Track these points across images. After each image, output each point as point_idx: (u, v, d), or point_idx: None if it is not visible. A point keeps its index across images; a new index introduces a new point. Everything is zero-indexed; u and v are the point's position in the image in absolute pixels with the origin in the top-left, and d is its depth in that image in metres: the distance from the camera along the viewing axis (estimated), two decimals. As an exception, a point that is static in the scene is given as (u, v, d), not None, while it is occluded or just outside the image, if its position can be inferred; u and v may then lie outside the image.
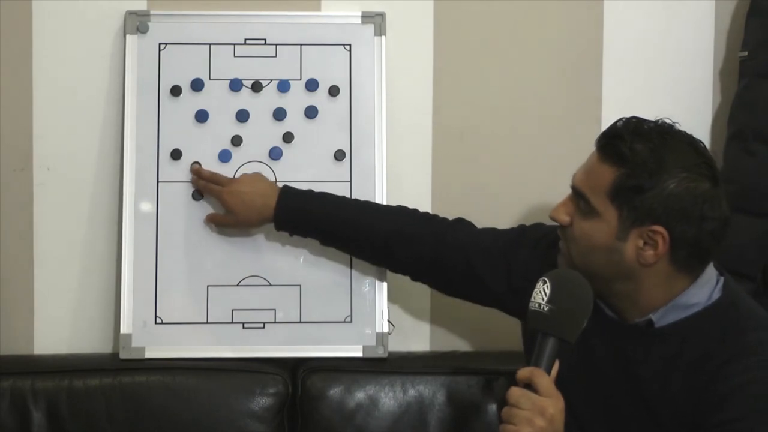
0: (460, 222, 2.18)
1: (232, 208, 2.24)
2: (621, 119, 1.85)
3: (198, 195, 2.31)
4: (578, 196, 1.85)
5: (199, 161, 2.32)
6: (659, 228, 1.78)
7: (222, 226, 2.30)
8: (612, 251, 1.81)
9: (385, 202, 2.32)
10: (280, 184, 2.25)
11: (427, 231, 2.16)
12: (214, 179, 2.28)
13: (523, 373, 1.68)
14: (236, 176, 2.30)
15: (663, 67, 2.44)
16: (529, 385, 1.67)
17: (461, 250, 2.12)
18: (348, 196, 2.32)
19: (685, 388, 1.81)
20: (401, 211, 2.22)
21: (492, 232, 2.15)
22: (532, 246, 2.07)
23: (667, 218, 1.78)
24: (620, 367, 1.88)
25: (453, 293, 2.21)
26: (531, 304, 1.72)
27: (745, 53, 2.33)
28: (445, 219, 2.19)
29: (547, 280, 1.73)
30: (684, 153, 1.80)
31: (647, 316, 1.85)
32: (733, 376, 1.77)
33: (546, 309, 1.70)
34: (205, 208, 2.31)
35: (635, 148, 1.79)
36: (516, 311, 2.05)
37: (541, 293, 1.72)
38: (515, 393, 1.67)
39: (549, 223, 1.97)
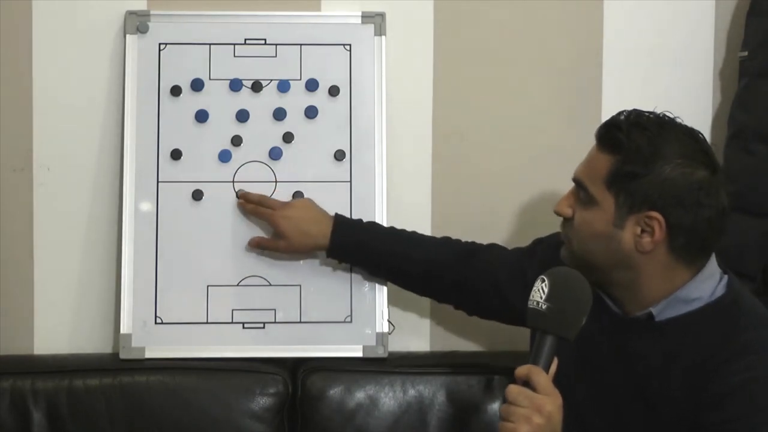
0: (493, 246, 2.21)
1: (286, 233, 2.24)
2: (622, 111, 1.87)
3: (198, 195, 2.31)
4: (578, 186, 1.88)
5: (199, 161, 2.32)
6: (655, 214, 1.80)
7: (270, 250, 2.29)
8: (610, 239, 1.83)
9: (384, 202, 2.32)
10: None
11: (458, 257, 2.19)
12: (264, 203, 2.28)
13: (521, 370, 1.68)
14: (276, 197, 2.30)
15: (663, 67, 2.44)
16: (527, 383, 1.67)
17: (490, 273, 2.15)
18: (348, 197, 2.32)
19: (686, 385, 1.81)
20: (443, 242, 2.24)
21: (517, 250, 2.18)
22: (542, 252, 2.09)
23: (663, 204, 1.80)
24: (621, 361, 1.88)
25: (492, 318, 2.22)
26: (529, 302, 1.72)
27: (745, 53, 2.33)
28: (480, 245, 2.22)
29: (545, 278, 1.73)
30: (681, 141, 1.83)
31: (647, 309, 1.85)
32: (733, 375, 1.77)
33: (544, 307, 1.70)
34: (205, 208, 2.31)
35: (632, 135, 1.82)
36: None
37: (540, 291, 1.72)
38: (513, 390, 1.67)
39: (550, 228, 1.98)
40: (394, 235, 2.25)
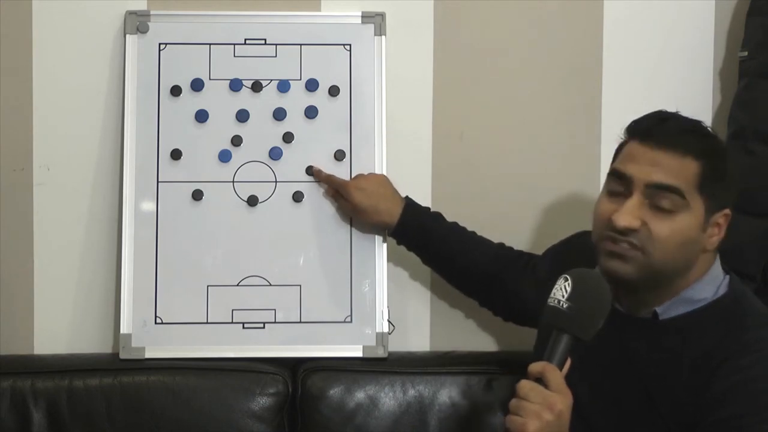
0: (530, 254, 2.23)
1: (359, 205, 2.25)
2: (675, 114, 1.89)
3: (198, 195, 2.31)
4: (667, 193, 1.81)
5: (199, 161, 2.32)
6: (728, 211, 1.85)
7: (340, 206, 2.30)
8: (696, 243, 1.84)
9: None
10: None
11: (500, 263, 2.21)
12: (333, 179, 2.30)
13: (536, 367, 1.68)
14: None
15: (663, 67, 2.45)
16: (539, 379, 1.67)
17: (527, 281, 2.17)
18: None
19: (689, 384, 1.81)
20: (490, 245, 2.25)
21: (541, 259, 2.19)
22: (551, 262, 2.11)
23: (734, 199, 1.87)
24: (624, 360, 1.88)
25: (526, 323, 2.22)
26: (550, 300, 1.72)
27: (745, 53, 2.33)
28: (520, 252, 2.25)
29: (568, 277, 1.72)
30: (718, 138, 1.91)
31: (652, 308, 1.86)
32: (733, 374, 1.77)
33: (565, 306, 1.70)
34: (205, 208, 2.31)
35: (707, 138, 1.87)
36: None
37: (562, 290, 1.71)
38: (525, 386, 1.67)
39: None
40: (457, 229, 2.26)
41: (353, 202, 2.25)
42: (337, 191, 2.29)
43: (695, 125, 1.88)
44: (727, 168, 1.85)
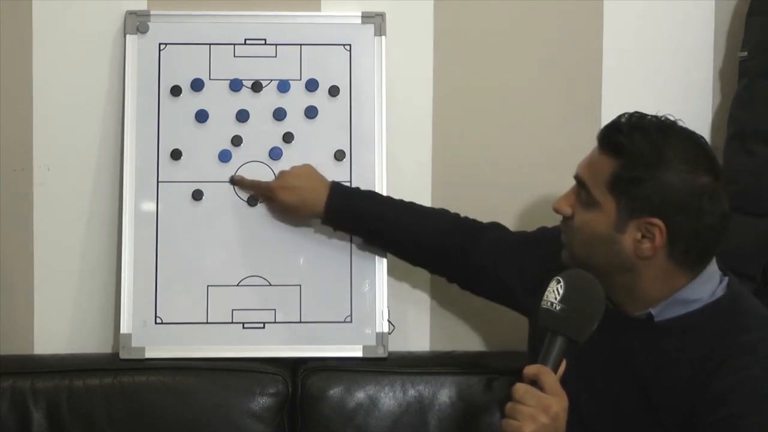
0: (496, 225, 2.22)
1: (286, 203, 2.25)
2: (624, 113, 1.86)
3: (198, 195, 2.31)
4: (580, 186, 1.87)
5: (199, 161, 2.32)
6: (656, 220, 1.79)
7: (270, 206, 2.30)
8: (611, 242, 1.83)
9: (384, 202, 2.32)
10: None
11: (462, 230, 2.20)
12: (258, 184, 2.29)
13: (530, 369, 1.68)
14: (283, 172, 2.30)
15: (663, 67, 2.44)
16: (534, 382, 1.67)
17: (491, 251, 2.15)
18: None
19: (686, 386, 1.81)
20: (442, 212, 2.25)
21: (520, 234, 2.19)
22: (547, 246, 2.07)
23: (665, 210, 1.79)
24: (621, 360, 1.88)
25: (484, 295, 2.23)
26: (543, 303, 1.72)
27: (745, 53, 2.33)
28: (483, 222, 2.22)
29: (561, 279, 1.72)
30: (683, 146, 1.82)
31: (647, 310, 1.85)
32: (732, 374, 1.77)
33: (558, 308, 1.70)
34: (205, 208, 2.31)
35: (634, 139, 1.81)
36: (527, 310, 2.08)
37: (554, 292, 1.71)
38: (520, 389, 1.67)
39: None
40: (391, 203, 2.26)
41: (281, 203, 2.26)
42: (264, 194, 2.30)
43: (632, 125, 1.83)
44: (651, 176, 1.79)
